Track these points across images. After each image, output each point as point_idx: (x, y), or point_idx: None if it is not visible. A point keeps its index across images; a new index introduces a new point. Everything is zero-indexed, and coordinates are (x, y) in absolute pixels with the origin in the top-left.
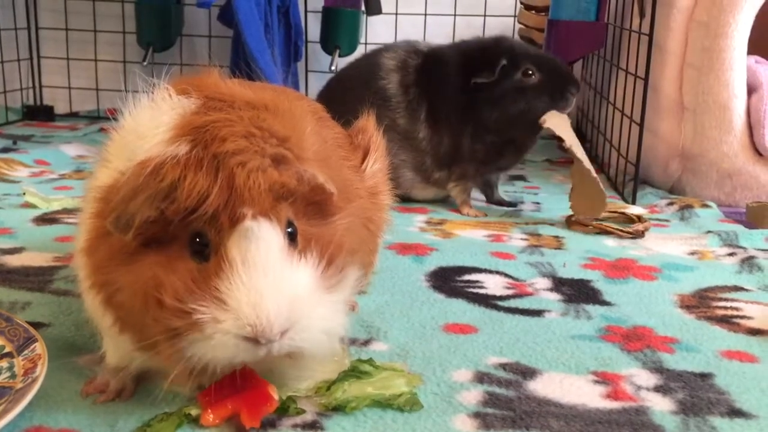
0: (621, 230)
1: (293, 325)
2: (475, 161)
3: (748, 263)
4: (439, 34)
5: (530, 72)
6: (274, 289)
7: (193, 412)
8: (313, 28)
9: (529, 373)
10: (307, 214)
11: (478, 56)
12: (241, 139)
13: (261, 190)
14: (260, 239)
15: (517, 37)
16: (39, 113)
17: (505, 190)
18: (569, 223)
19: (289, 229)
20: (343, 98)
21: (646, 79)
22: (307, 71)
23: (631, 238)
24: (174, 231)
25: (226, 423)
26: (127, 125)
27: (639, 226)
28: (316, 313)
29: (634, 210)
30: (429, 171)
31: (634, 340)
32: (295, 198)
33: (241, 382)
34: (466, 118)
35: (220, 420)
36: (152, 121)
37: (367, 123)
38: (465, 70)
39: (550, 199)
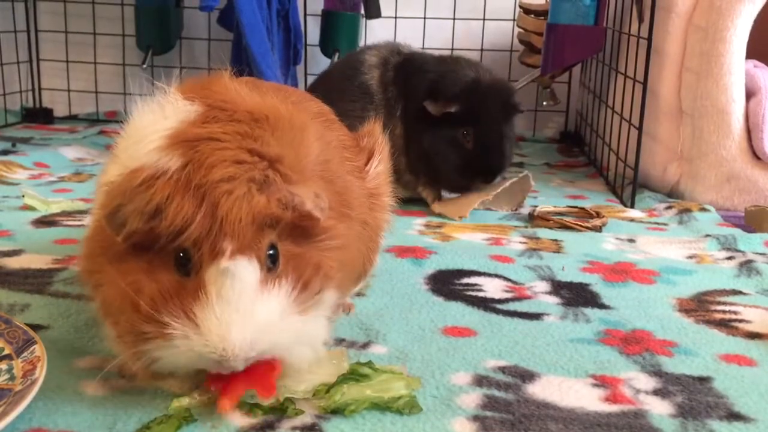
0: (580, 225)
1: (257, 353)
2: (430, 176)
3: (747, 267)
4: (438, 37)
5: (466, 136)
6: (241, 324)
7: (185, 402)
8: (313, 32)
9: (527, 376)
10: (293, 234)
11: (443, 83)
12: (230, 166)
13: (244, 223)
14: (236, 278)
15: (516, 40)
16: (38, 116)
17: None
18: (532, 219)
19: (271, 252)
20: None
21: (644, 83)
22: (306, 74)
23: (590, 231)
24: (161, 241)
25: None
26: (134, 124)
27: (597, 221)
28: (282, 339)
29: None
30: (401, 172)
31: (633, 343)
32: (280, 222)
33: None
34: (417, 136)
35: (236, 402)
36: (153, 125)
37: (374, 127)
38: (429, 88)
39: (549, 202)
